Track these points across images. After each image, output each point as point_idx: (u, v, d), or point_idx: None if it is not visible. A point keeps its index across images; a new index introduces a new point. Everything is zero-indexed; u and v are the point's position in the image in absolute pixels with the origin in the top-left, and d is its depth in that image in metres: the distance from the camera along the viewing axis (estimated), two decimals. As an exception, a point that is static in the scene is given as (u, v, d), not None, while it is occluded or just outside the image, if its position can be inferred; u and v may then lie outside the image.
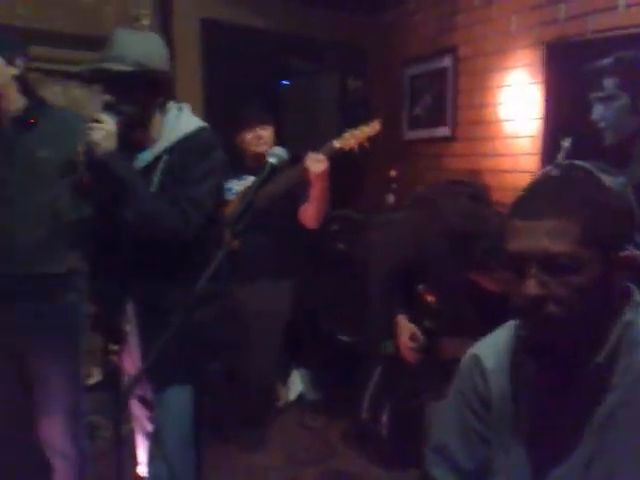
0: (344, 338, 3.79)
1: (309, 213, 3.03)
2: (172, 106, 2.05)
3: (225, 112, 3.32)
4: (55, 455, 2.49)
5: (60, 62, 3.24)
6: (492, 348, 1.28)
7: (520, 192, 1.16)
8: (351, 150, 2.89)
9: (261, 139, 3.24)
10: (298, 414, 3.73)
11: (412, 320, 2.66)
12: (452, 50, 3.82)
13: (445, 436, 1.32)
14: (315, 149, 2.95)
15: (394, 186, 3.95)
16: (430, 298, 2.63)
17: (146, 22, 3.70)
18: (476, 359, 1.28)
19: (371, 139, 2.93)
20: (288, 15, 4.23)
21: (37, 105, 2.37)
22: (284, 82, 4.63)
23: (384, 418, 2.88)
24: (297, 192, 2.96)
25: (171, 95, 2.06)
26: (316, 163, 2.84)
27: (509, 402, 1.22)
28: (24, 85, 2.33)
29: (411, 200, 3.75)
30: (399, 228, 3.59)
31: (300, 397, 3.98)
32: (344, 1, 4.34)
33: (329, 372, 3.90)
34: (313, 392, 3.99)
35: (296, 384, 4.00)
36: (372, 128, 2.92)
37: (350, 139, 2.88)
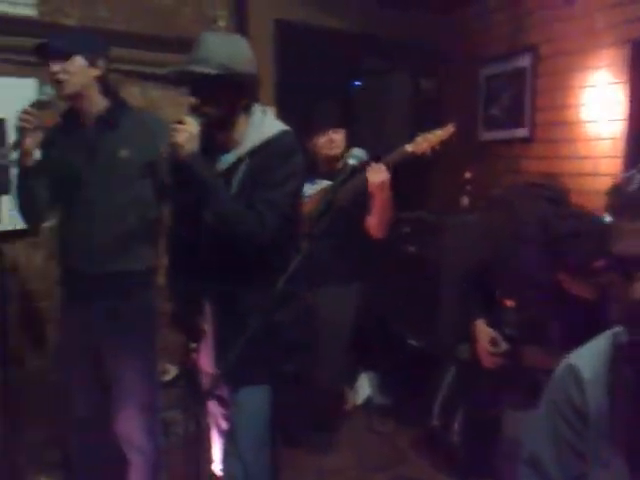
0: (414, 342, 3.74)
1: (373, 223, 3.03)
2: (256, 109, 2.05)
3: (298, 113, 3.33)
4: (131, 450, 2.55)
5: (138, 63, 3.32)
6: (589, 358, 1.23)
7: (614, 194, 1.11)
8: (423, 154, 2.87)
9: (334, 142, 3.22)
10: (366, 418, 3.70)
11: (490, 325, 2.60)
12: (531, 49, 3.73)
13: (538, 449, 1.28)
14: (388, 152, 2.93)
15: (469, 188, 3.87)
16: (510, 303, 2.56)
17: (222, 23, 3.75)
18: (572, 369, 1.23)
19: (444, 143, 2.89)
20: (361, 15, 4.21)
21: (118, 106, 2.42)
22: (356, 82, 4.60)
23: (456, 425, 2.82)
24: (362, 200, 2.96)
25: (256, 98, 2.05)
26: (376, 174, 2.83)
27: (607, 414, 1.17)
28: (105, 86, 2.39)
29: (487, 202, 3.68)
30: (474, 231, 3.52)
31: (368, 401, 3.96)
32: (417, 0, 4.30)
33: (398, 376, 3.85)
34: (381, 396, 3.96)
35: (364, 388, 3.98)
36: (446, 132, 2.89)
37: (423, 143, 2.86)
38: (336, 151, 3.22)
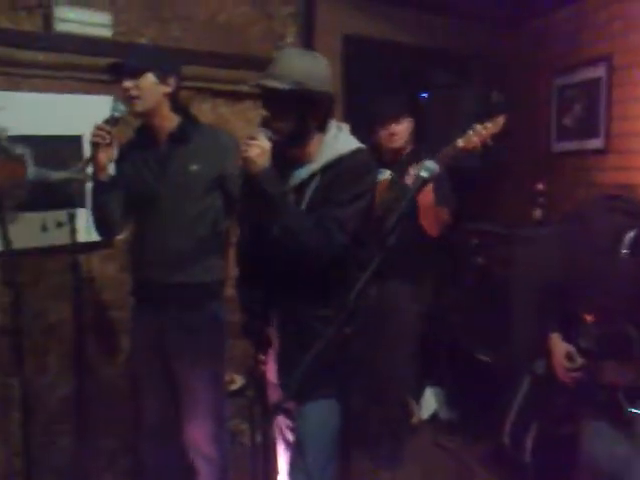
0: (483, 357, 3.66)
1: (424, 223, 3.00)
2: (332, 125, 2.06)
3: (366, 128, 3.33)
4: (199, 458, 2.59)
5: (209, 80, 3.38)
6: None
7: None
8: (475, 149, 2.80)
9: (395, 135, 3.22)
10: (433, 433, 3.65)
11: (566, 339, 2.53)
12: (606, 59, 3.64)
13: None
14: (457, 170, 2.88)
15: (541, 200, 3.79)
16: (589, 318, 2.48)
17: (290, 39, 3.80)
18: None
19: (496, 137, 2.80)
20: (429, 29, 4.19)
21: (189, 122, 2.49)
22: (423, 95, 4.59)
23: (528, 443, 2.73)
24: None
25: (330, 115, 2.06)
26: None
27: None
28: (176, 103, 2.46)
29: (562, 215, 3.58)
30: (547, 244, 3.44)
31: (434, 416, 3.90)
32: (486, 13, 4.25)
33: (465, 391, 3.79)
34: (447, 411, 3.89)
35: (430, 402, 3.93)
36: (496, 125, 2.81)
37: (473, 137, 2.79)
38: (398, 143, 3.22)
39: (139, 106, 2.36)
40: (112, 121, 2.34)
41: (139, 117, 2.45)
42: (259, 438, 3.05)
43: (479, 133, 2.79)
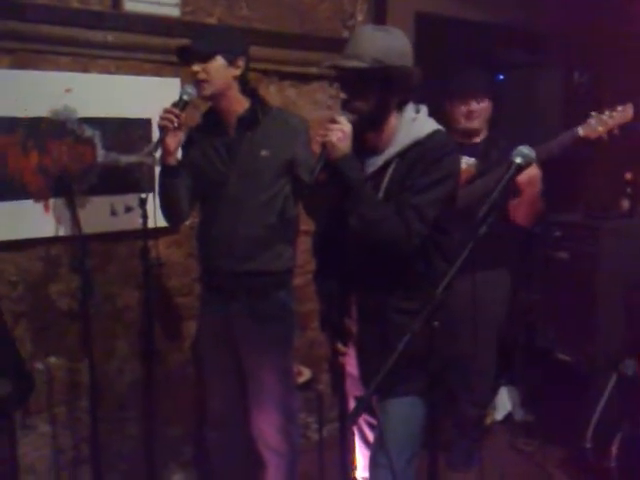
0: (564, 357, 3.59)
1: (520, 213, 2.89)
2: (410, 107, 2.03)
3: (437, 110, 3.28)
4: (267, 450, 2.64)
5: (275, 62, 3.38)
6: None
7: None
8: (599, 140, 2.63)
9: (474, 113, 3.06)
10: (508, 435, 3.61)
11: None
12: None
13: None
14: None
15: (629, 190, 3.68)
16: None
17: (360, 18, 3.78)
18: None
19: (624, 127, 2.63)
20: (504, 6, 4.10)
21: (259, 106, 2.49)
22: (500, 76, 4.51)
23: (614, 449, 2.68)
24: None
25: (411, 93, 2.03)
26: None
27: None
28: (245, 86, 2.47)
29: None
30: (636, 238, 3.36)
31: (508, 417, 3.86)
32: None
33: (542, 392, 3.73)
34: (523, 412, 3.85)
35: (504, 403, 3.89)
36: (624, 114, 2.62)
37: (597, 126, 2.62)
38: (476, 124, 3.08)
39: (208, 89, 2.38)
40: (181, 104, 2.36)
41: (208, 100, 2.48)
42: (327, 432, 3.11)
43: (603, 121, 2.62)
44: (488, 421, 3.70)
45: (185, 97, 2.37)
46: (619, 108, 2.64)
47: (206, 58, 2.35)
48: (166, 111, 2.34)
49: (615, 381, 2.75)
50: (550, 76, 4.17)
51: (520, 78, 4.45)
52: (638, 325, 2.59)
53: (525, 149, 1.72)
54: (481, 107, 3.08)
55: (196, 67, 2.35)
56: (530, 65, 4.47)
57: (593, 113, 2.66)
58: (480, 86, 3.09)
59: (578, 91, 4.11)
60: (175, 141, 2.38)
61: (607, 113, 2.63)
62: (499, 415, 3.86)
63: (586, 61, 4.19)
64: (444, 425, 3.21)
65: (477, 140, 3.13)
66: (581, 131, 2.65)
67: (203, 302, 2.71)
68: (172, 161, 2.42)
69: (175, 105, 2.36)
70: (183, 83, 2.96)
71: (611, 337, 3.02)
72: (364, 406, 1.76)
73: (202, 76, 2.36)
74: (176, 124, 2.34)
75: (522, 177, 2.62)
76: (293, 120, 2.58)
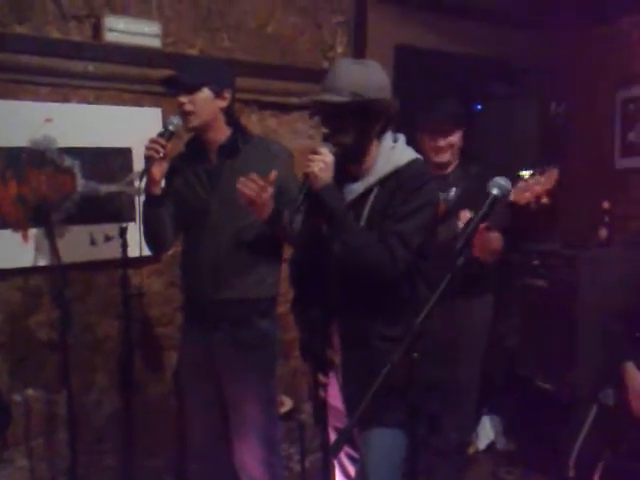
0: (545, 385, 3.61)
1: (475, 250, 2.89)
2: (388, 136, 2.07)
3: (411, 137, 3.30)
4: (248, 480, 2.61)
5: (256, 92, 3.42)
6: None
7: None
8: (527, 206, 2.59)
9: (442, 149, 3.05)
10: (490, 464, 3.61)
11: None
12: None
13: None
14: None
15: (607, 219, 3.75)
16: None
17: (340, 50, 3.84)
18: None
19: (550, 193, 2.59)
20: (483, 39, 4.20)
21: (240, 134, 2.52)
22: (478, 106, 4.59)
23: (596, 478, 2.69)
24: None
25: (390, 123, 2.07)
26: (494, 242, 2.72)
27: None
28: (229, 116, 2.49)
29: (629, 236, 3.55)
30: (615, 266, 3.40)
31: (491, 446, 3.86)
32: (544, 22, 4.25)
33: (524, 420, 3.74)
34: (505, 441, 3.85)
35: (487, 431, 3.89)
36: (549, 179, 2.58)
37: (525, 193, 2.58)
38: (445, 158, 3.06)
39: (194, 121, 2.39)
40: (167, 135, 2.38)
41: (193, 131, 2.50)
42: (309, 463, 3.09)
43: (531, 187, 2.58)
44: (471, 450, 3.70)
45: (171, 127, 2.39)
46: (545, 174, 2.60)
47: (193, 90, 2.37)
48: (152, 141, 2.35)
49: (595, 410, 2.77)
50: (527, 107, 4.24)
51: (497, 109, 4.52)
52: (616, 354, 2.62)
53: (501, 180, 1.74)
54: (449, 141, 3.06)
55: (182, 98, 2.37)
56: (507, 97, 4.54)
57: (523, 174, 2.63)
58: (447, 121, 3.07)
59: (554, 122, 4.18)
60: (160, 171, 2.39)
61: (535, 177, 2.60)
62: (481, 444, 3.86)
63: (561, 93, 4.28)
64: (427, 452, 3.21)
65: (448, 171, 3.12)
66: (512, 195, 2.57)
67: (184, 332, 2.70)
68: (157, 191, 2.42)
69: (161, 135, 2.38)
70: (165, 113, 3.01)
71: (591, 365, 3.04)
72: (346, 438, 1.76)
73: (189, 108, 2.37)
74: (162, 154, 2.35)
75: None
76: (274, 148, 2.60)
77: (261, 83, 3.43)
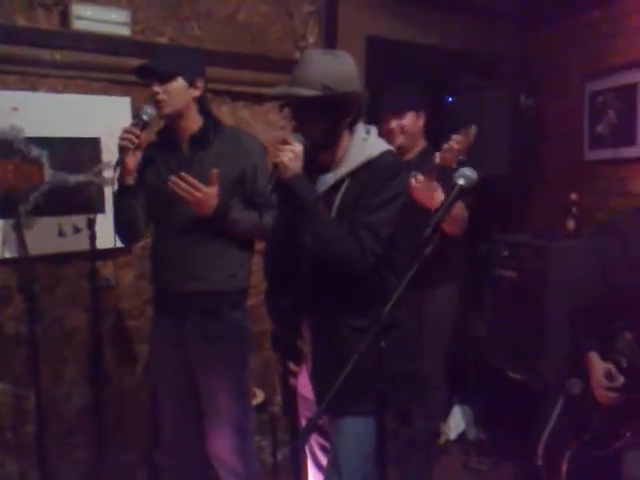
0: (515, 375, 3.67)
1: (446, 225, 2.86)
2: (360, 128, 2.08)
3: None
4: (224, 470, 2.62)
5: (227, 82, 3.42)
6: None
7: None
8: (450, 166, 2.58)
9: (395, 131, 3.02)
10: (461, 454, 3.66)
11: (604, 358, 2.56)
12: (643, 63, 3.66)
13: None
14: (485, 177, 2.73)
15: (574, 211, 3.80)
16: (628, 335, 2.51)
17: (312, 40, 3.84)
18: None
19: (469, 150, 2.62)
20: (454, 30, 4.24)
21: (212, 125, 2.51)
22: (449, 98, 4.62)
23: (564, 466, 2.74)
24: None
25: (361, 115, 2.08)
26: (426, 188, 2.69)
27: None
28: (202, 105, 2.49)
29: (597, 227, 3.60)
30: (582, 257, 3.46)
31: (462, 435, 3.91)
32: (517, 13, 4.29)
33: (495, 410, 3.80)
34: (476, 431, 3.90)
35: (457, 422, 3.94)
36: (467, 137, 2.59)
37: (446, 154, 2.60)
38: (399, 140, 3.03)
39: (168, 110, 2.39)
40: (140, 124, 2.35)
41: (165, 119, 2.48)
42: (281, 455, 3.11)
43: (451, 149, 2.61)
44: (442, 440, 3.74)
45: (145, 117, 2.36)
46: (463, 133, 2.61)
47: (167, 79, 2.36)
48: (126, 131, 2.33)
49: (563, 400, 2.81)
50: (498, 99, 4.28)
51: (469, 101, 4.55)
52: (581, 344, 2.66)
53: (467, 171, 1.76)
54: (403, 123, 3.04)
55: (156, 88, 2.36)
56: (479, 89, 4.58)
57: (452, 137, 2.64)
58: (399, 102, 3.06)
59: (525, 114, 4.23)
60: (134, 161, 2.36)
61: (454, 141, 2.61)
62: (453, 434, 3.90)
63: (531, 86, 4.33)
64: (397, 442, 3.24)
65: (410, 156, 3.11)
66: (437, 159, 2.65)
67: (154, 324, 2.68)
68: (130, 181, 2.40)
69: (134, 125, 2.36)
70: (135, 102, 2.99)
71: (560, 355, 3.08)
72: (314, 426, 1.77)
73: (162, 97, 2.37)
74: (136, 144, 2.33)
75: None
76: (246, 138, 2.60)
77: (232, 73, 3.42)
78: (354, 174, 2.01)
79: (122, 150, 2.32)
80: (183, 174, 2.28)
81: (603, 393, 2.52)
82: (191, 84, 2.42)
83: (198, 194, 2.30)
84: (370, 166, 2.00)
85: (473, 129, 2.62)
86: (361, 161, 2.01)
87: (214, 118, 2.57)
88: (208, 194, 2.32)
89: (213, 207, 2.35)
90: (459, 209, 2.83)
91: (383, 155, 2.02)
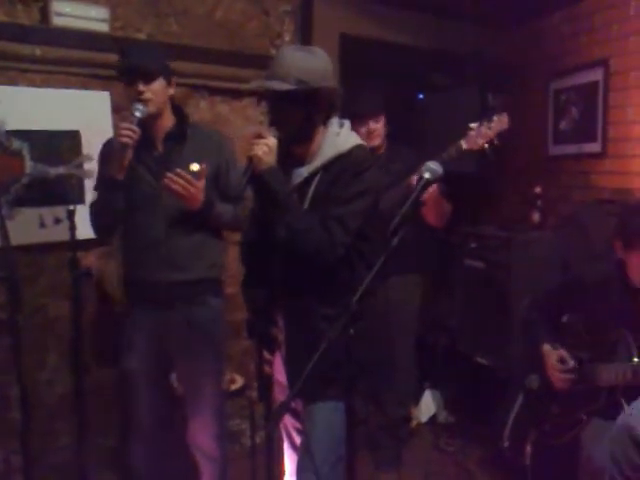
0: (483, 361, 3.72)
1: (430, 216, 3.00)
2: (334, 122, 2.10)
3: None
4: (202, 457, 2.64)
5: (204, 77, 3.42)
6: None
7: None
8: (481, 150, 2.76)
9: (374, 132, 3.16)
10: (432, 436, 3.71)
11: (556, 347, 2.62)
12: (603, 63, 3.72)
13: None
14: (455, 173, 2.84)
15: (539, 203, 3.87)
16: (579, 325, 2.56)
17: (288, 37, 3.85)
18: (630, 431, 1.20)
19: (501, 135, 2.75)
20: (426, 30, 4.28)
21: (184, 121, 2.55)
22: (420, 96, 4.66)
23: (528, 448, 2.79)
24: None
25: (335, 109, 2.10)
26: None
27: None
28: (173, 103, 2.53)
29: (558, 220, 3.65)
30: (545, 248, 3.51)
31: (432, 419, 3.96)
32: (484, 14, 4.33)
33: (464, 394, 3.85)
34: (446, 414, 3.96)
35: (428, 405, 3.99)
36: (500, 123, 2.75)
37: (477, 138, 2.75)
38: (377, 141, 3.17)
39: (152, 107, 2.40)
40: (135, 121, 2.34)
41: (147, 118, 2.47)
42: (259, 439, 3.12)
43: (482, 133, 2.75)
44: (413, 423, 3.79)
45: (137, 114, 2.35)
46: (495, 118, 2.76)
47: (152, 78, 2.38)
48: (125, 128, 2.31)
49: (523, 395, 2.86)
50: (467, 97, 4.31)
51: (439, 99, 4.59)
52: (535, 340, 2.70)
53: (433, 164, 1.79)
54: (380, 125, 3.19)
55: (142, 87, 2.37)
56: (448, 87, 4.62)
57: (472, 125, 2.78)
58: (375, 106, 3.18)
59: (492, 112, 4.26)
60: (127, 157, 2.35)
61: (485, 124, 2.75)
62: (424, 417, 3.95)
63: (498, 84, 4.37)
64: (369, 428, 3.29)
65: (381, 152, 3.24)
66: (464, 144, 2.76)
67: (131, 314, 2.60)
68: (121, 176, 2.37)
69: (131, 122, 2.34)
70: (113, 97, 2.99)
71: (520, 350, 3.12)
72: (285, 409, 1.79)
73: (148, 96, 2.38)
74: (135, 139, 2.32)
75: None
76: (214, 134, 2.67)
77: (210, 69, 3.43)
78: (326, 167, 2.03)
79: (124, 146, 2.31)
80: (179, 171, 2.32)
81: (559, 377, 2.57)
82: (169, 83, 2.46)
83: (192, 189, 2.33)
84: (341, 160, 2.02)
85: (505, 116, 2.73)
86: (333, 155, 2.03)
87: (185, 115, 2.60)
88: (198, 188, 2.36)
89: (202, 200, 2.39)
90: (445, 205, 2.98)
91: (353, 149, 2.05)
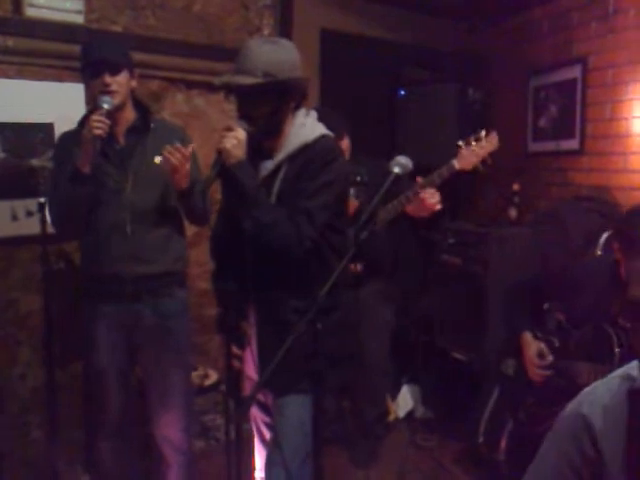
0: (459, 356, 3.71)
1: (414, 212, 2.98)
2: (301, 113, 2.06)
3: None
4: (171, 451, 2.59)
5: (183, 71, 3.38)
6: (601, 406, 1.17)
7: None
8: (474, 170, 2.77)
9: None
10: (409, 431, 3.68)
11: (537, 338, 2.59)
12: (581, 60, 3.70)
13: None
14: (435, 168, 2.84)
15: (517, 200, 3.85)
16: (559, 316, 2.53)
17: (267, 31, 3.80)
18: (584, 419, 1.16)
19: (492, 155, 2.78)
20: (405, 25, 4.26)
21: (146, 115, 2.52)
22: (401, 92, 4.62)
23: (503, 443, 2.76)
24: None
25: (304, 100, 2.06)
26: (432, 199, 2.80)
27: (622, 466, 1.12)
28: (134, 96, 2.51)
29: (536, 216, 3.63)
30: (522, 244, 3.49)
31: (410, 414, 3.94)
32: (464, 10, 4.30)
33: (441, 390, 3.83)
34: (424, 410, 3.93)
35: (406, 400, 3.96)
36: (491, 143, 2.78)
37: (470, 157, 2.76)
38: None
39: (117, 99, 2.36)
40: (105, 113, 2.29)
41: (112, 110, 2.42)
42: (234, 433, 3.08)
43: (475, 153, 2.75)
44: (391, 418, 3.76)
45: (106, 106, 2.30)
46: (483, 137, 2.77)
47: (118, 70, 2.35)
48: (97, 120, 2.25)
49: (500, 380, 2.84)
50: (446, 93, 4.28)
51: (419, 94, 4.55)
52: (515, 326, 2.68)
53: (402, 159, 1.76)
54: (344, 145, 3.17)
55: (108, 79, 2.33)
56: (428, 82, 4.59)
57: (461, 143, 2.78)
58: (338, 128, 3.12)
59: (472, 107, 4.24)
60: (96, 149, 2.29)
61: (475, 144, 2.75)
62: (401, 412, 3.92)
63: (478, 80, 4.35)
64: (345, 425, 3.26)
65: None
66: (457, 164, 2.76)
67: (95, 310, 2.50)
68: (88, 169, 2.31)
69: (101, 114, 2.28)
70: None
71: (497, 339, 3.11)
72: (251, 401, 1.75)
73: (115, 88, 2.34)
74: (105, 132, 2.27)
75: (429, 203, 2.72)
76: (175, 127, 2.66)
77: (187, 62, 3.38)
78: (291, 159, 2.00)
79: (96, 138, 2.25)
80: (178, 145, 2.26)
81: (535, 371, 2.55)
82: (132, 75, 2.44)
83: (188, 165, 2.28)
84: (307, 150, 1.99)
85: (495, 136, 2.77)
86: (298, 145, 1.99)
87: (146, 108, 2.56)
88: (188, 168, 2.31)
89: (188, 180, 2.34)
90: (434, 197, 2.88)
91: (319, 139, 2.01)
